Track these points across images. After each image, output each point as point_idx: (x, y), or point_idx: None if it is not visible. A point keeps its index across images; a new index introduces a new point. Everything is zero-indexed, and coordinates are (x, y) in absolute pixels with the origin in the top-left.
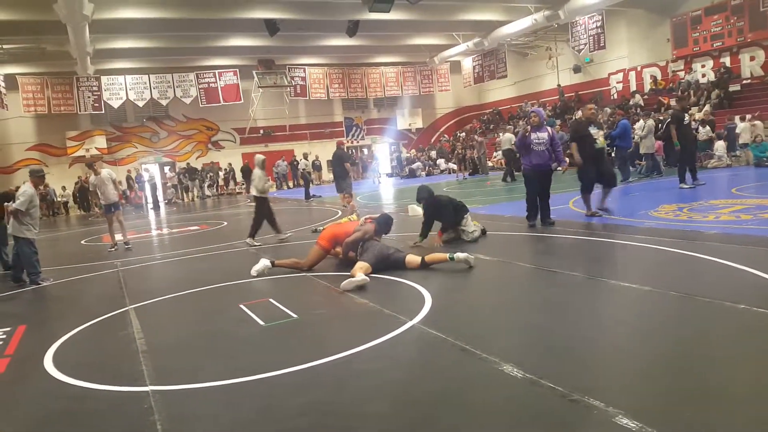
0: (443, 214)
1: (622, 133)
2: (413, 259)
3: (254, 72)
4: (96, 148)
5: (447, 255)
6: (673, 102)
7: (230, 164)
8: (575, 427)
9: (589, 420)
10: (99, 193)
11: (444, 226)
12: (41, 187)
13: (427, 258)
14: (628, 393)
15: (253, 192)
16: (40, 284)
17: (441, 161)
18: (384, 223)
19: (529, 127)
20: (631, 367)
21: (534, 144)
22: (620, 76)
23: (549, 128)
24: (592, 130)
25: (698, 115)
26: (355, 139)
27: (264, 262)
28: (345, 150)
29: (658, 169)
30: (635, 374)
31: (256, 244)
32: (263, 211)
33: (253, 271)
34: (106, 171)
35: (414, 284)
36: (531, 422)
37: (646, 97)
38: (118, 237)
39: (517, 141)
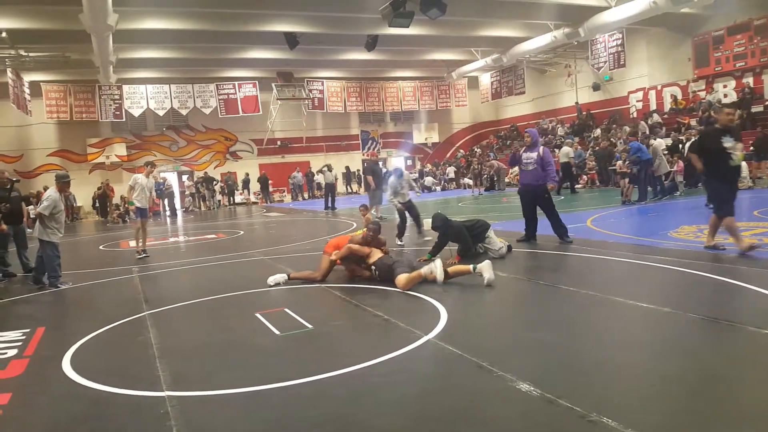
0: (456, 238)
1: (635, 155)
2: None
3: (273, 84)
4: (116, 155)
5: (470, 266)
6: (693, 122)
7: (247, 174)
8: None
9: None
10: (134, 194)
11: (460, 249)
12: (65, 192)
13: (450, 270)
14: (646, 414)
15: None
16: (59, 287)
17: (450, 169)
18: (374, 229)
19: (522, 147)
20: (648, 388)
21: (523, 164)
22: (640, 94)
23: (541, 148)
24: (727, 143)
25: None
26: (371, 152)
27: (281, 275)
28: (370, 163)
29: (675, 189)
30: (653, 395)
31: (400, 243)
32: (406, 213)
33: (270, 280)
34: (152, 179)
35: (429, 299)
36: None
37: (665, 116)
38: (134, 243)
39: (509, 159)
